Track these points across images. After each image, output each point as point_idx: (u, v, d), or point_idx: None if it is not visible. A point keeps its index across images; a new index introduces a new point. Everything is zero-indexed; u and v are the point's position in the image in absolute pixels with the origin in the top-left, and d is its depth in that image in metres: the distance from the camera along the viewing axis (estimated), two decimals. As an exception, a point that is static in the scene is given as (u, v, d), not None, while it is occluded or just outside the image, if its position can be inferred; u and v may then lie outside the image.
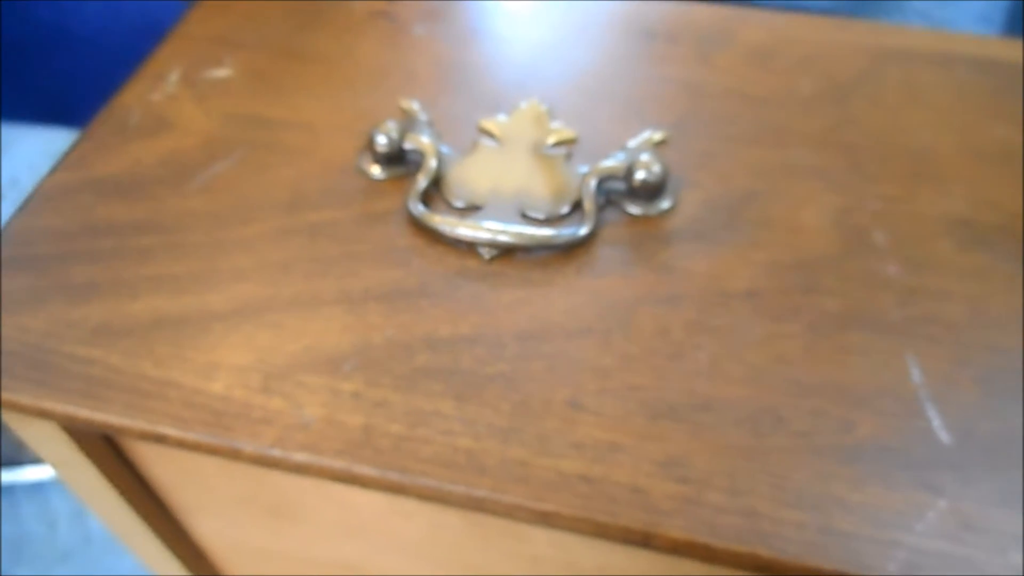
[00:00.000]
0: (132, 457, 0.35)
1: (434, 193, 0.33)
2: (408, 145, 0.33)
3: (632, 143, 0.34)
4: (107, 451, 0.34)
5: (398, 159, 0.33)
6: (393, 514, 0.33)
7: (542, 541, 0.31)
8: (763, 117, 0.35)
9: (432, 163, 0.32)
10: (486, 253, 0.30)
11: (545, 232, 0.30)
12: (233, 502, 0.36)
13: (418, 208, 0.31)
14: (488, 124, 0.35)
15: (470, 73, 0.38)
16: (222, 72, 0.38)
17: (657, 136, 0.34)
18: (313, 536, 0.36)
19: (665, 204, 0.32)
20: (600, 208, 0.32)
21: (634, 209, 0.32)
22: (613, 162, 0.32)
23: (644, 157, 0.31)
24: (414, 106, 0.35)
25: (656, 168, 0.31)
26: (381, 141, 0.32)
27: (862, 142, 0.34)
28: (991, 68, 0.37)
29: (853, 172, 0.33)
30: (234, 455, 0.26)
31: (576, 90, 0.37)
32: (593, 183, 0.31)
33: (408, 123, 0.34)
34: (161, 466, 0.35)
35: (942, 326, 0.28)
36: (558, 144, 0.34)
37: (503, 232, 0.30)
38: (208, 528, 0.39)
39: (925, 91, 0.36)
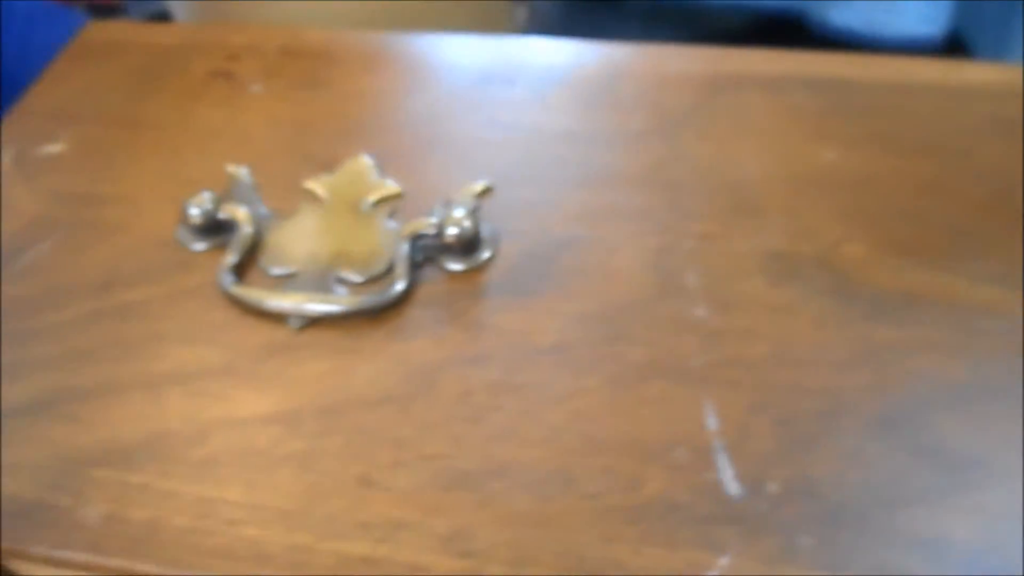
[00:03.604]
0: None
1: (254, 261, 0.32)
2: (223, 215, 0.32)
3: (456, 195, 0.34)
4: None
5: (218, 229, 0.33)
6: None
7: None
8: (592, 158, 0.35)
9: (246, 232, 0.32)
10: (295, 323, 0.30)
11: (351, 299, 0.30)
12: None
13: (227, 281, 0.30)
14: (313, 184, 0.35)
15: (304, 130, 0.37)
16: (55, 148, 0.37)
17: (478, 187, 0.34)
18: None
19: (483, 257, 0.32)
20: (418, 266, 0.31)
21: (453, 265, 0.31)
22: (426, 219, 0.31)
23: (457, 212, 0.31)
24: (240, 171, 0.35)
25: (467, 223, 0.31)
26: (194, 213, 0.32)
27: (686, 178, 0.34)
28: (824, 87, 0.37)
29: (674, 211, 0.33)
30: (23, 556, 0.25)
31: (409, 140, 0.37)
32: (405, 243, 0.31)
33: (232, 189, 0.34)
34: None
35: (744, 368, 0.28)
36: (381, 201, 0.34)
37: (310, 301, 0.30)
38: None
39: (755, 119, 0.36)
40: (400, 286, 0.30)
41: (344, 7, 0.55)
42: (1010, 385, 0.27)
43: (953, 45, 1.35)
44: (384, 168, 0.35)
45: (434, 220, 0.31)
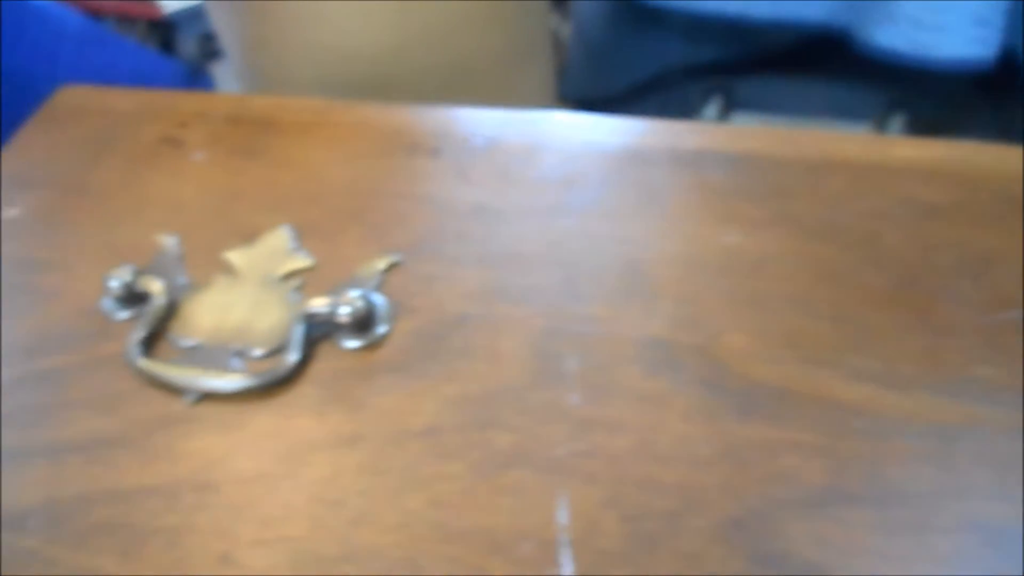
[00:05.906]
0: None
1: (167, 332, 0.34)
2: (140, 287, 0.34)
3: (362, 271, 0.35)
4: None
5: (139, 299, 0.35)
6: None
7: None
8: (497, 234, 0.36)
9: (158, 305, 0.34)
10: (190, 397, 0.31)
11: (242, 376, 0.31)
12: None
13: (133, 354, 0.32)
14: (232, 255, 0.36)
15: (236, 199, 0.39)
16: (11, 212, 0.40)
17: (382, 264, 0.35)
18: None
19: (379, 334, 0.33)
20: (314, 343, 0.33)
21: (349, 342, 0.33)
22: (322, 298, 0.33)
23: (352, 292, 0.32)
24: (168, 241, 0.37)
25: (360, 304, 0.32)
26: (113, 285, 0.34)
27: (584, 257, 0.34)
28: (740, 164, 0.37)
29: (565, 291, 0.33)
30: (-82, 615, 0.28)
31: (332, 212, 0.38)
32: (300, 321, 0.32)
33: (158, 259, 0.36)
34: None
35: (605, 460, 0.28)
36: (290, 275, 0.35)
37: (203, 376, 0.31)
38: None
39: (664, 196, 0.36)
40: (289, 364, 0.31)
41: (383, 30, 0.52)
42: (868, 490, 0.26)
43: (1007, 64, 1.30)
44: (304, 240, 0.37)
45: (328, 299, 0.32)
